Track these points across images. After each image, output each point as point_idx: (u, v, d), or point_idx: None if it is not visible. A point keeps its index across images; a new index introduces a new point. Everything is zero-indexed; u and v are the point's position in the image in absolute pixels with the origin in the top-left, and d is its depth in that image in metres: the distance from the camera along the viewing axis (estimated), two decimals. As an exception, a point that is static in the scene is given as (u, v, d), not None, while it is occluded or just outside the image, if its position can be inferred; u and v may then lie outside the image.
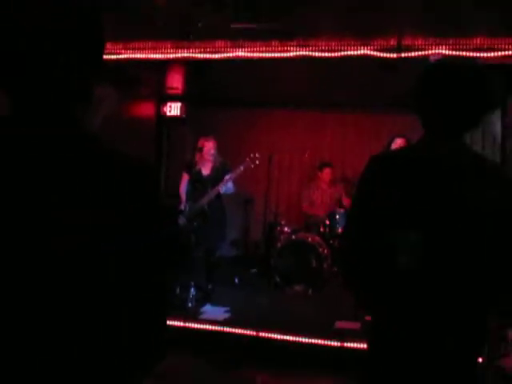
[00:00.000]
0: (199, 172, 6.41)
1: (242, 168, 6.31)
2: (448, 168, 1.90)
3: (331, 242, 7.16)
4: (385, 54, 5.41)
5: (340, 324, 5.26)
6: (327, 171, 8.10)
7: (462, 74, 1.91)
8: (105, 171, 1.16)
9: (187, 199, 6.33)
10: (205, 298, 6.10)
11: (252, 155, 6.46)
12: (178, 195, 6.60)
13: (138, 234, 1.18)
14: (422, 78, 1.98)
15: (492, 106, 1.95)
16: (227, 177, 6.23)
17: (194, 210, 6.27)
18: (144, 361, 1.26)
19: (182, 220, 6.24)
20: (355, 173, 8.21)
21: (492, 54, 5.13)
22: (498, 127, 6.63)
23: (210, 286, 6.31)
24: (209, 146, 6.39)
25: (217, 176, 6.32)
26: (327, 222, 7.38)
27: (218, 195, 6.35)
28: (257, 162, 6.49)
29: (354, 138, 8.92)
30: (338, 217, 7.29)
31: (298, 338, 4.98)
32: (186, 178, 6.48)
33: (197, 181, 6.33)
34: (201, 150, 6.39)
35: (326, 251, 6.86)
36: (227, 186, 6.30)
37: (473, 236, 1.85)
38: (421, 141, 2.01)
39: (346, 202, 7.68)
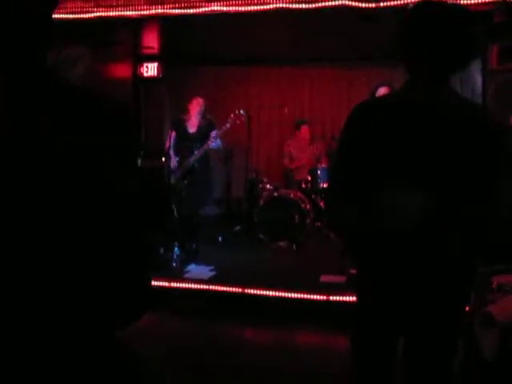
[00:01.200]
0: (185, 129, 6.53)
1: (228, 125, 6.46)
2: (434, 112, 1.87)
3: (313, 197, 7.18)
4: (363, 4, 5.29)
5: (325, 278, 5.29)
6: (305, 129, 8.06)
7: (446, 16, 1.86)
8: (84, 112, 1.19)
9: (174, 155, 6.43)
10: (189, 257, 6.10)
11: (237, 112, 6.56)
12: (157, 154, 6.56)
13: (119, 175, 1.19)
14: (405, 21, 1.93)
15: (476, 49, 1.91)
16: (213, 134, 6.38)
17: (182, 168, 6.34)
18: (130, 305, 1.27)
19: (173, 179, 6.29)
20: (334, 129, 8.18)
21: (472, 1, 5.05)
22: (477, 78, 6.57)
23: (193, 246, 6.33)
24: (195, 106, 6.52)
25: (202, 134, 6.42)
26: (309, 178, 7.38)
27: (206, 155, 6.45)
28: (242, 119, 6.62)
29: (333, 92, 8.86)
30: (319, 172, 7.28)
31: (284, 294, 5.00)
32: (173, 135, 6.54)
33: (183, 138, 6.45)
34: (188, 110, 6.56)
35: (308, 206, 6.88)
36: (216, 142, 6.43)
37: (458, 180, 1.84)
38: (405, 87, 1.97)
39: (325, 160, 7.67)
